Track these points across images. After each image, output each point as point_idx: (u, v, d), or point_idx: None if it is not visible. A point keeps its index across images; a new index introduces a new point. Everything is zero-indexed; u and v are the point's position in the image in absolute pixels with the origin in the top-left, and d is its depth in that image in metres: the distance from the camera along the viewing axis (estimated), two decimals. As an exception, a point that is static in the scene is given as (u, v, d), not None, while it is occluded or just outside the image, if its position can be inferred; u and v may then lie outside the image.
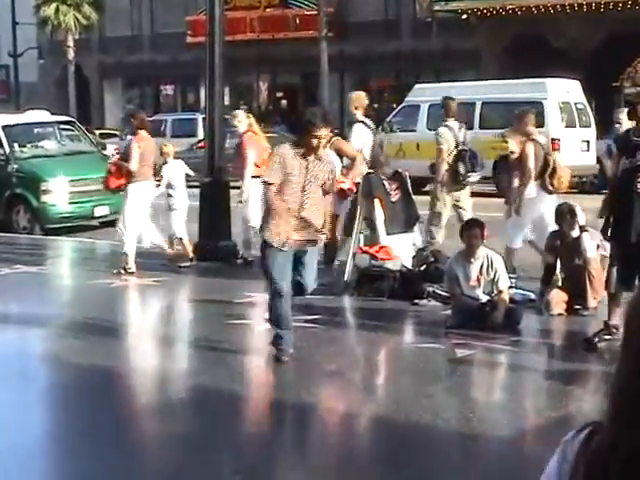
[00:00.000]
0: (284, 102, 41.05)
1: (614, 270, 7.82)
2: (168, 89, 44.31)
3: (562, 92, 21.99)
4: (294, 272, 7.37)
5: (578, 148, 21.68)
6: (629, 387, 1.43)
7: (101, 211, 16.09)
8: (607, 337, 7.73)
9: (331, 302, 9.56)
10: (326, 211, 7.50)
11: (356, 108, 11.18)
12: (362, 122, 11.08)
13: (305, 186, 7.20)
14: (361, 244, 10.53)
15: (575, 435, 1.50)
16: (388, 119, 24.19)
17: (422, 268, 10.28)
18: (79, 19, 40.14)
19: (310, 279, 7.45)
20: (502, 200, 10.79)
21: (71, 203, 16.05)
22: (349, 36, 36.01)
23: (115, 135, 32.38)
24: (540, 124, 20.18)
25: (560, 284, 9.20)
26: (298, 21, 37.36)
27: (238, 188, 11.79)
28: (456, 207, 11.18)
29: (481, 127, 20.72)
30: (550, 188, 10.22)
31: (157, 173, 12.04)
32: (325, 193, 7.43)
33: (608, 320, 7.81)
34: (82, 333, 8.64)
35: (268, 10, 38.67)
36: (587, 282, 8.83)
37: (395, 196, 10.85)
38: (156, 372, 7.70)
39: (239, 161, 11.73)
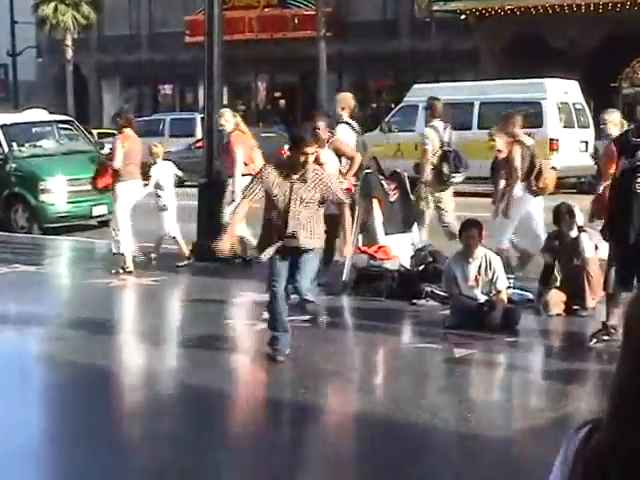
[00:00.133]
0: (282, 102, 41.03)
1: (612, 270, 7.81)
2: (166, 89, 44.27)
3: (561, 92, 22.02)
4: (290, 276, 7.41)
5: (576, 148, 21.71)
6: (629, 386, 1.43)
7: (99, 210, 16.08)
8: (605, 337, 7.74)
9: (329, 302, 9.55)
10: (343, 223, 7.66)
11: (342, 109, 11.03)
12: (347, 123, 10.95)
13: (289, 207, 7.25)
14: (359, 244, 10.53)
15: (575, 433, 1.50)
16: (386, 119, 24.22)
17: (420, 268, 10.28)
18: (77, 18, 40.18)
19: (305, 283, 7.45)
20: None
21: (69, 202, 16.03)
22: (347, 36, 35.99)
23: (113, 135, 32.24)
24: (539, 124, 20.32)
25: (558, 284, 9.19)
26: (296, 21, 37.36)
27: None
28: (437, 208, 11.25)
29: (479, 127, 20.71)
30: (535, 190, 10.29)
31: (146, 173, 12.04)
32: (338, 204, 7.58)
33: (606, 320, 7.81)
34: (80, 332, 8.64)
35: (266, 10, 38.65)
36: (585, 282, 8.82)
37: (393, 196, 10.86)
38: (153, 372, 7.70)
39: (228, 160, 11.73)
